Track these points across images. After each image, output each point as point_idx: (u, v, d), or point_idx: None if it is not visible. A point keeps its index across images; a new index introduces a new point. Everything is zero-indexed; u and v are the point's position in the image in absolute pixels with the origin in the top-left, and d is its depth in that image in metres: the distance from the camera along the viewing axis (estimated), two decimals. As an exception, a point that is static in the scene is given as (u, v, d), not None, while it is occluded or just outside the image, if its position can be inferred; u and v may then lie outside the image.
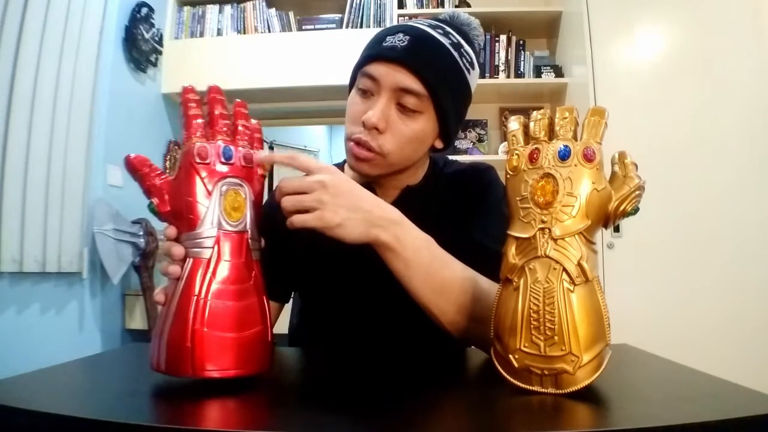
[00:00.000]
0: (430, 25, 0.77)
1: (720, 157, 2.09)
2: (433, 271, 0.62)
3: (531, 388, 0.47)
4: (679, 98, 2.14)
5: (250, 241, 0.52)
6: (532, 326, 0.47)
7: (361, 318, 0.81)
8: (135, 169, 0.53)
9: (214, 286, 0.49)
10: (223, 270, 0.50)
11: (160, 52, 2.48)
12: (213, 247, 0.50)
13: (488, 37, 2.47)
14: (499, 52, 2.46)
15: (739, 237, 2.05)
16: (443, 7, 2.52)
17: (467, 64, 0.78)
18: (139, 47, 2.32)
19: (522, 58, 2.48)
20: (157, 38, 2.45)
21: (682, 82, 2.15)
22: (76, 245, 1.85)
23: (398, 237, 0.59)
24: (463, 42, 0.78)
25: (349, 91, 0.81)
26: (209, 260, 0.49)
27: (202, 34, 2.60)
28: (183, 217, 0.51)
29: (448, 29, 0.77)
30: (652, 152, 2.04)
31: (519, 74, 2.47)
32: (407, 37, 0.73)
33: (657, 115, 2.14)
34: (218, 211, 0.51)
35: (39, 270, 1.71)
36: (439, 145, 0.81)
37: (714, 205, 2.08)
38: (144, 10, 2.35)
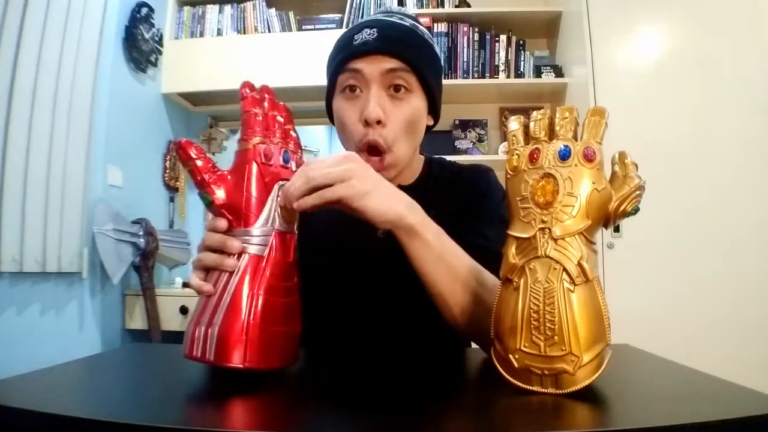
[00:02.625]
0: (386, 14, 0.80)
1: (720, 157, 2.09)
2: (449, 257, 0.62)
3: (531, 388, 0.47)
4: (679, 98, 2.14)
5: (296, 242, 0.56)
6: (532, 326, 0.47)
7: (362, 319, 0.81)
8: (189, 158, 0.54)
9: (269, 282, 0.51)
10: (275, 268, 0.52)
11: (160, 52, 2.48)
12: (268, 245, 0.52)
13: (488, 37, 2.47)
14: (499, 52, 2.46)
15: (740, 237, 2.05)
16: (443, 7, 2.52)
17: (429, 39, 0.81)
18: (139, 47, 2.32)
19: (522, 58, 2.48)
20: (157, 38, 2.45)
21: (682, 82, 2.15)
22: (76, 245, 1.85)
23: (420, 221, 0.60)
24: (416, 23, 0.81)
25: (327, 102, 0.81)
26: (264, 257, 0.52)
27: (202, 34, 2.59)
28: (240, 212, 0.53)
29: (401, 15, 0.80)
30: (652, 152, 2.04)
31: (519, 74, 2.47)
32: (374, 29, 0.75)
33: (657, 115, 2.14)
34: (276, 210, 0.53)
35: (39, 270, 1.71)
36: (429, 122, 0.83)
37: (714, 205, 2.08)
38: (144, 10, 2.35)
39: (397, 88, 0.74)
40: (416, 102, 0.76)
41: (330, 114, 0.81)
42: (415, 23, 0.80)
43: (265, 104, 0.57)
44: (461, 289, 0.63)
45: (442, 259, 0.61)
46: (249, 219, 0.52)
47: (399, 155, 0.76)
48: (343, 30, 0.87)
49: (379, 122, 0.72)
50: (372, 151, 0.74)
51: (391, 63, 0.73)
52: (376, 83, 0.73)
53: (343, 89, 0.76)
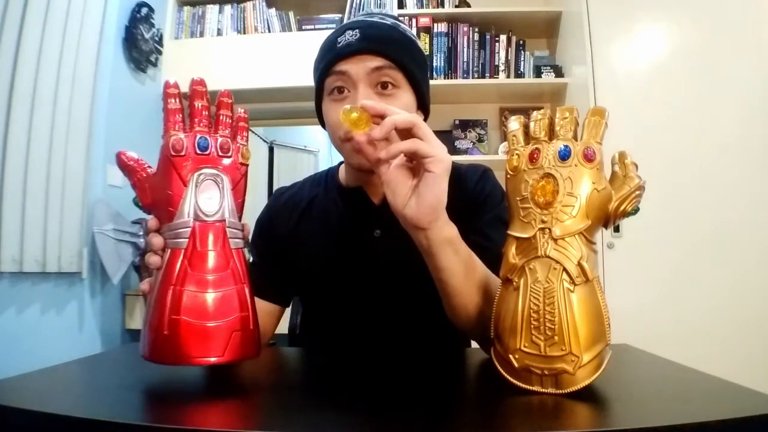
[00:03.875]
0: (367, 15, 0.81)
1: (720, 157, 2.09)
2: (475, 269, 0.62)
3: (531, 388, 0.47)
4: (680, 98, 2.14)
5: (228, 230, 0.53)
6: (532, 326, 0.47)
7: (361, 319, 0.81)
8: (124, 164, 0.54)
9: (191, 276, 0.50)
10: (200, 259, 0.51)
11: (160, 52, 2.48)
12: (189, 238, 0.51)
13: (488, 37, 2.47)
14: (499, 52, 2.46)
15: (740, 237, 2.05)
16: (443, 7, 2.52)
17: (411, 36, 0.81)
18: (139, 47, 2.32)
19: (522, 58, 2.48)
20: (157, 38, 2.45)
21: (682, 82, 2.15)
22: (76, 245, 1.85)
23: (457, 233, 0.59)
24: (397, 21, 0.81)
25: (317, 108, 0.82)
26: (186, 250, 0.50)
27: (202, 34, 2.60)
28: (162, 209, 0.52)
29: (381, 15, 0.81)
30: (652, 152, 2.04)
31: (519, 74, 2.47)
32: (356, 30, 0.75)
33: (657, 115, 2.14)
34: (194, 201, 0.51)
35: (39, 270, 1.71)
36: (420, 116, 0.83)
37: (714, 205, 2.08)
38: (144, 10, 2.35)
39: (384, 85, 0.75)
40: (405, 97, 0.77)
41: (320, 117, 0.82)
42: (396, 22, 0.81)
43: (203, 100, 0.55)
44: (481, 298, 0.62)
45: (469, 274, 0.60)
46: (170, 214, 0.51)
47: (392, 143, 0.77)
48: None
49: None
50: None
51: (376, 61, 0.74)
52: (362, 82, 0.74)
53: (330, 92, 0.76)
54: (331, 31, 0.81)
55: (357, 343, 0.82)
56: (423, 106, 0.82)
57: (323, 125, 0.82)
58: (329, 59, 0.76)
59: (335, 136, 0.77)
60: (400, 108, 0.76)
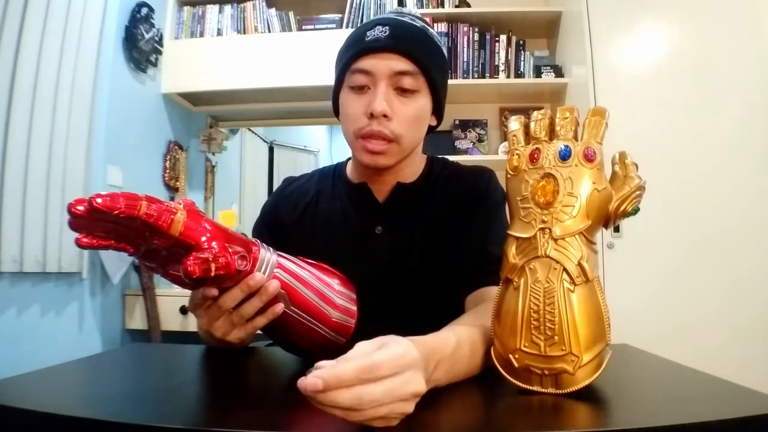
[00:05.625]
0: (398, 14, 0.81)
1: (720, 157, 2.09)
2: (463, 369, 0.52)
3: (531, 388, 0.47)
4: (679, 98, 2.14)
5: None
6: (532, 326, 0.47)
7: (359, 316, 0.81)
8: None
9: None
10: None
11: (160, 52, 2.48)
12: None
13: (488, 37, 2.47)
14: (499, 52, 2.46)
15: (740, 237, 2.05)
16: (443, 7, 2.52)
17: (439, 42, 0.82)
18: (139, 47, 2.32)
19: (522, 58, 2.48)
20: (157, 38, 2.45)
21: (682, 82, 2.14)
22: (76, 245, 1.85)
23: (437, 379, 0.48)
24: (426, 25, 0.81)
25: (334, 95, 0.82)
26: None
27: (202, 34, 2.59)
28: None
29: (412, 17, 0.81)
30: (652, 152, 2.04)
31: (519, 74, 2.46)
32: (386, 27, 0.75)
33: (657, 115, 2.14)
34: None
35: (39, 270, 1.70)
36: (433, 122, 0.85)
37: (714, 205, 2.08)
38: (144, 10, 2.35)
39: (404, 90, 0.75)
40: (422, 101, 0.77)
41: (336, 106, 0.82)
42: (426, 26, 0.81)
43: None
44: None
45: (454, 378, 0.51)
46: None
47: (402, 147, 0.77)
48: (343, 30, 0.88)
49: (385, 116, 0.74)
50: (375, 136, 0.75)
51: (401, 63, 0.74)
52: (384, 81, 0.74)
53: (352, 87, 0.77)
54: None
55: (355, 341, 0.82)
56: (438, 111, 0.83)
57: (336, 114, 0.82)
58: (355, 51, 0.76)
59: (349, 129, 0.78)
60: (415, 110, 0.77)
